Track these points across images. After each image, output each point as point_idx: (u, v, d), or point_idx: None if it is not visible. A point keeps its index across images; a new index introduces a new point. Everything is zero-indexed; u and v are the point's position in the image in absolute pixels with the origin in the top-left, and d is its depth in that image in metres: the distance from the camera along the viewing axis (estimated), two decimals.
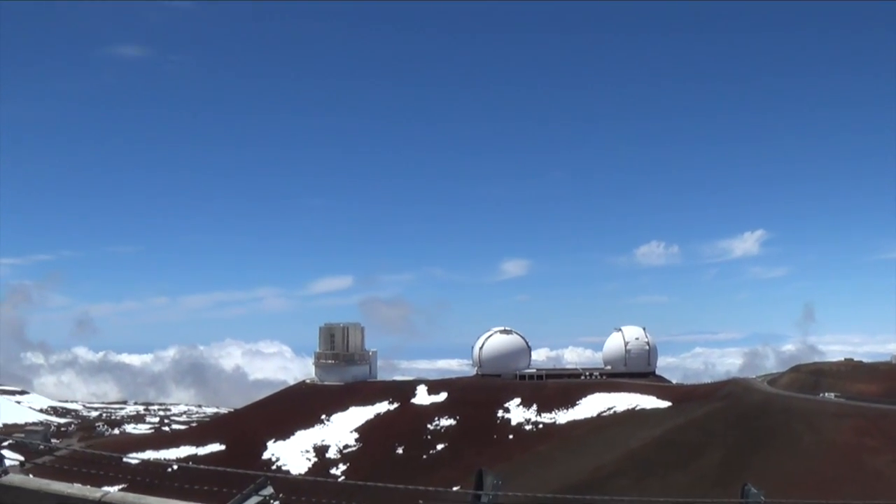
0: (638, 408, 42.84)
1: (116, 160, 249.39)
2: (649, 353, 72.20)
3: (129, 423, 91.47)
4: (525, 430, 44.27)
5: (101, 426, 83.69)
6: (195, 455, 46.79)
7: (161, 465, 30.07)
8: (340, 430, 53.47)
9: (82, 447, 26.37)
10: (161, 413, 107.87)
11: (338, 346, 74.66)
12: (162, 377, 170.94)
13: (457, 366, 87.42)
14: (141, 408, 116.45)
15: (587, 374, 68.93)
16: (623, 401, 46.43)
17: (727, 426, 34.73)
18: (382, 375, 74.30)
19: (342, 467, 45.95)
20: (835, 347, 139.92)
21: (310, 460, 48.19)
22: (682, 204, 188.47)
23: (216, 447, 48.45)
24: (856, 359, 59.59)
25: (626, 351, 71.65)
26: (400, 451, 46.47)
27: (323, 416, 54.67)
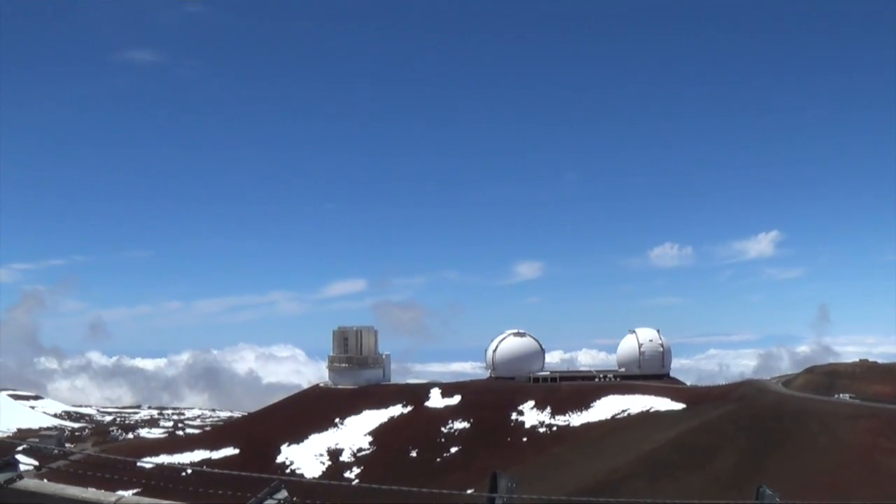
0: (652, 410, 42.73)
1: (130, 165, 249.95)
2: (663, 355, 72.00)
3: (143, 427, 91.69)
4: (539, 432, 44.19)
5: (115, 430, 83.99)
6: (209, 459, 46.86)
7: (175, 469, 30.07)
8: (354, 433, 53.46)
9: (96, 451, 26.36)
10: (175, 417, 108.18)
11: (351, 349, 74.65)
12: (175, 381, 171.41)
13: (470, 368, 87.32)
14: (155, 412, 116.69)
15: (601, 376, 68.80)
16: (637, 403, 46.31)
17: (741, 428, 34.61)
18: (396, 378, 74.33)
19: (356, 470, 45.93)
20: (849, 348, 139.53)
21: (324, 464, 48.19)
22: (695, 205, 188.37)
23: (230, 451, 48.49)
24: (871, 360, 59.36)
25: (640, 353, 71.46)
26: (414, 454, 46.43)
27: (337, 420, 54.67)
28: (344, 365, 71.53)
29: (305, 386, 78.53)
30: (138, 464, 27.19)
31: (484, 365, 74.95)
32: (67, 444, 42.17)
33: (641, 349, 70.27)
